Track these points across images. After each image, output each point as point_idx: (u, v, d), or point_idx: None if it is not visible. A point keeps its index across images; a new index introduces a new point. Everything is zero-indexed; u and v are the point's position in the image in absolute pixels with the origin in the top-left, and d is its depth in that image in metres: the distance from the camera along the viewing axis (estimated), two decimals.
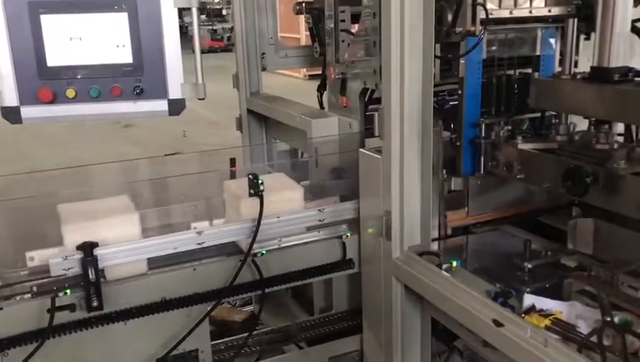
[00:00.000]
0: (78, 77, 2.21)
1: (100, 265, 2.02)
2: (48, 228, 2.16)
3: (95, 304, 2.01)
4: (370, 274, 2.39)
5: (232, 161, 2.47)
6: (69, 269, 2.00)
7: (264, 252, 2.27)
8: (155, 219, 2.38)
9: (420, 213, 2.16)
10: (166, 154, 7.69)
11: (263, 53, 3.54)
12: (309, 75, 12.72)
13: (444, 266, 2.02)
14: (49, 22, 2.14)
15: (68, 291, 2.01)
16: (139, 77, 2.26)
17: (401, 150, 2.10)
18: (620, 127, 2.18)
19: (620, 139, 2.17)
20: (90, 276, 1.98)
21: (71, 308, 2.01)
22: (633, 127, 2.16)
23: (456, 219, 2.42)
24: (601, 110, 1.96)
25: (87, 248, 1.99)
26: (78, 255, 2.00)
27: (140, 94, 2.26)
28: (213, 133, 9.25)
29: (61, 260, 2.00)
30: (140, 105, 2.29)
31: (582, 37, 2.41)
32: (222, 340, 2.51)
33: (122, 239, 2.09)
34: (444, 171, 2.32)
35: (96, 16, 2.18)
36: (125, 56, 2.24)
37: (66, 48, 2.16)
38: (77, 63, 2.20)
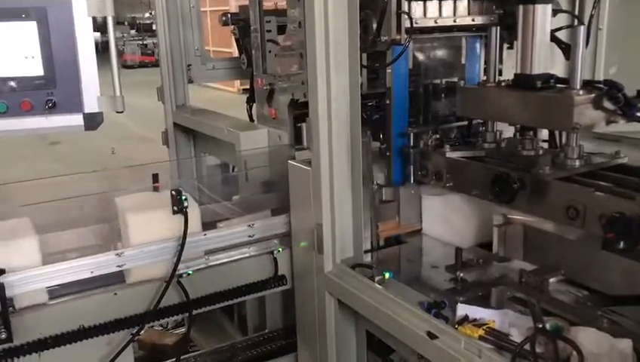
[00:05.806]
0: None
1: (8, 294, 1.86)
2: None
3: (3, 336, 1.86)
4: (303, 289, 2.31)
5: (155, 177, 2.33)
6: None
7: (190, 272, 2.16)
8: (71, 241, 2.23)
9: (351, 224, 2.12)
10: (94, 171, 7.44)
11: (189, 65, 3.45)
12: (243, 89, 12.60)
13: (377, 278, 1.97)
14: None
15: None
16: (51, 90, 2.11)
17: (330, 161, 2.05)
18: (544, 133, 2.22)
19: (545, 145, 2.20)
20: None
21: None
22: (557, 133, 2.20)
23: (388, 229, 2.40)
24: (525, 117, 1.97)
25: None
26: None
27: (52, 108, 2.12)
28: (145, 148, 8.94)
29: None
30: (53, 120, 2.14)
31: (505, 46, 2.45)
32: None
33: (21, 265, 1.92)
34: (375, 181, 2.29)
35: (1, 25, 2.03)
36: (35, 69, 2.09)
37: None
38: None
